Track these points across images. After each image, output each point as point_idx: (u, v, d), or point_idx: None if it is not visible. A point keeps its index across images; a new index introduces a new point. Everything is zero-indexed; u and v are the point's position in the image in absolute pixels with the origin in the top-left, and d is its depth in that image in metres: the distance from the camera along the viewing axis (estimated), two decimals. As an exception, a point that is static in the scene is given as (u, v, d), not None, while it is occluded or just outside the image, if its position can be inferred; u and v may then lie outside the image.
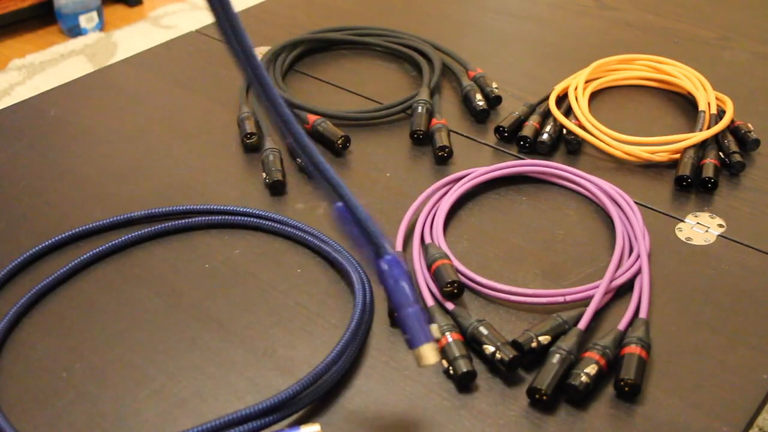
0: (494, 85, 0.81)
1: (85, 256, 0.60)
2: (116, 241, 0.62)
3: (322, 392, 0.50)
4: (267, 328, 0.55)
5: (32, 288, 0.58)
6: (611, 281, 0.57)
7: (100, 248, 0.61)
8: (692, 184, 0.68)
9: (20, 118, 0.79)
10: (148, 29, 2.19)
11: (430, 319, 0.50)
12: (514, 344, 0.52)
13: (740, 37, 0.96)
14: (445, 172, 0.71)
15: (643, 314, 0.55)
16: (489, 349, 0.51)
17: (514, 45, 0.95)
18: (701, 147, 0.71)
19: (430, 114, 0.76)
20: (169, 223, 0.63)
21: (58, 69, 1.98)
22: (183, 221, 0.64)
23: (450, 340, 0.52)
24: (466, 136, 0.76)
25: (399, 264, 0.46)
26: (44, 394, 0.51)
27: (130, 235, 0.62)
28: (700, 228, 0.64)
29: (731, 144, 0.71)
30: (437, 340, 0.46)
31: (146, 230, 0.63)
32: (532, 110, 0.77)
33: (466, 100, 0.80)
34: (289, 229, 0.63)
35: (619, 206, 0.65)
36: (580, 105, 0.76)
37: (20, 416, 0.49)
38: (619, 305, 0.57)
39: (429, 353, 0.44)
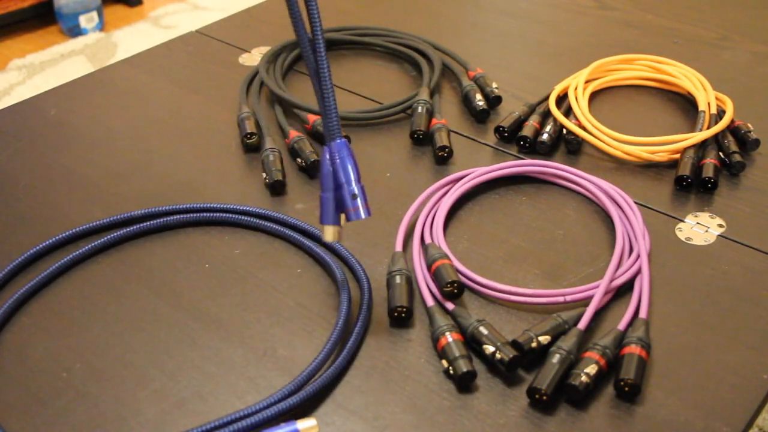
0: (494, 85, 0.81)
1: (82, 249, 0.61)
2: (114, 234, 0.62)
3: (317, 389, 0.50)
4: (267, 328, 0.55)
5: (31, 280, 0.58)
6: (611, 281, 0.57)
7: (98, 242, 0.61)
8: (692, 184, 0.68)
9: (20, 118, 0.79)
10: (148, 29, 2.19)
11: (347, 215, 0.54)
12: (514, 344, 0.52)
13: (740, 37, 0.96)
14: (445, 172, 0.71)
15: (643, 314, 0.55)
16: (489, 349, 0.51)
17: (514, 45, 0.95)
18: (701, 147, 0.71)
19: (430, 114, 0.76)
20: (170, 218, 0.64)
21: (58, 69, 1.98)
22: (182, 216, 0.64)
23: (450, 340, 0.52)
24: (466, 136, 0.76)
25: (346, 146, 0.53)
26: (44, 394, 0.51)
27: (128, 229, 0.63)
28: (700, 228, 0.64)
29: (731, 144, 0.71)
30: (341, 225, 0.54)
31: (146, 224, 0.63)
32: (532, 110, 0.77)
33: (466, 100, 0.80)
34: (289, 230, 0.63)
35: (619, 206, 0.65)
36: (580, 105, 0.76)
37: (20, 416, 0.49)
38: (619, 305, 0.57)
39: (329, 232, 0.54)
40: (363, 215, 0.52)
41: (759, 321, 0.56)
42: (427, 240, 0.61)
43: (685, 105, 0.81)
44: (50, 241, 0.62)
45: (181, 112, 0.81)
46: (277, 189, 0.68)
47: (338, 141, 0.53)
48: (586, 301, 0.56)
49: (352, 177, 0.53)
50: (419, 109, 0.76)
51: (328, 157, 0.53)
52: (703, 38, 0.95)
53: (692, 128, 0.76)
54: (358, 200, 0.52)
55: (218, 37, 0.95)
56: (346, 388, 0.51)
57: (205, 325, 0.56)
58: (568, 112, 0.77)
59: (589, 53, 0.88)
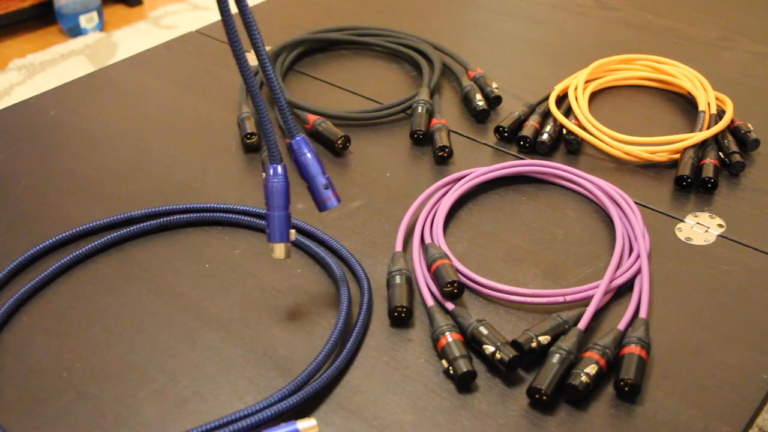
0: (494, 85, 0.81)
1: (82, 249, 0.61)
2: (114, 234, 0.62)
3: (317, 389, 0.50)
4: (267, 328, 0.55)
5: (31, 280, 0.58)
6: (611, 281, 0.57)
7: (98, 242, 0.62)
8: (692, 184, 0.68)
9: (20, 118, 0.79)
10: (148, 29, 2.19)
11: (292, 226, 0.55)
12: (514, 344, 0.52)
13: (740, 37, 0.96)
14: (445, 172, 0.71)
15: (643, 314, 0.55)
16: (489, 349, 0.51)
17: (514, 45, 0.95)
18: (701, 147, 0.71)
19: (430, 114, 0.76)
20: (170, 218, 0.63)
21: (58, 69, 1.98)
22: (182, 216, 0.64)
23: (450, 340, 0.52)
24: (466, 136, 0.76)
25: (307, 142, 0.54)
26: (44, 394, 0.51)
27: (128, 229, 0.63)
28: (700, 228, 0.64)
29: (731, 144, 0.71)
30: (291, 242, 0.55)
31: (146, 224, 0.63)
32: (532, 110, 0.77)
33: (466, 100, 0.80)
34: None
35: (619, 206, 0.65)
36: (580, 105, 0.76)
37: (20, 416, 0.49)
38: (619, 305, 0.57)
39: (279, 249, 0.54)
40: (335, 203, 0.55)
41: (759, 321, 0.56)
42: (427, 240, 0.61)
43: (685, 105, 0.81)
44: (50, 241, 0.61)
45: (181, 112, 0.81)
46: (277, 189, 0.68)
47: (298, 138, 0.54)
48: (586, 301, 0.56)
49: (320, 169, 0.55)
50: (419, 109, 0.76)
51: (271, 172, 0.54)
52: (703, 38, 0.95)
53: (692, 128, 0.76)
54: (330, 190, 0.54)
55: (218, 37, 0.95)
56: (346, 388, 0.51)
57: (205, 325, 0.56)
58: (568, 112, 0.77)
59: (589, 53, 0.88)
